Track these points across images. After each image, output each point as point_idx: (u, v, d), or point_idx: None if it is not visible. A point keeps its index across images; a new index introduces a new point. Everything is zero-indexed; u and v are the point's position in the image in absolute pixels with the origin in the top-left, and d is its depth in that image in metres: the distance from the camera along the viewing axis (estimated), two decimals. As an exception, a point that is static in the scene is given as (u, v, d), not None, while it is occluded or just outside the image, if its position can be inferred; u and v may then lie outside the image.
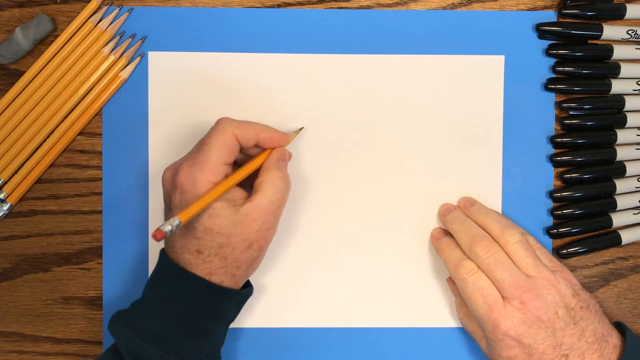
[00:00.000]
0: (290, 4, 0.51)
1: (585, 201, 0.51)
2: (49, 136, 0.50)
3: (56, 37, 0.50)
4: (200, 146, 0.44)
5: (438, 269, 0.52)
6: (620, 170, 0.51)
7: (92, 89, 0.50)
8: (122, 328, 0.43)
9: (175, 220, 0.39)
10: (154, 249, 0.51)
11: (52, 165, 0.51)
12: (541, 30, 0.51)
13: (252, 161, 0.46)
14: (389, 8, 0.51)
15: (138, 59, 0.51)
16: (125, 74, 0.51)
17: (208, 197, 0.42)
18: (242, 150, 0.46)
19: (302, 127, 0.51)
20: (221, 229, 0.42)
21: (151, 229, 0.51)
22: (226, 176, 0.44)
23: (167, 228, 0.39)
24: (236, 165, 0.47)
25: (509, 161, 0.52)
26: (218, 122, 0.45)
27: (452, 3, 0.51)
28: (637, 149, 0.52)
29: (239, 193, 0.44)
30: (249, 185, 0.45)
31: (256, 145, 0.46)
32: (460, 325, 0.51)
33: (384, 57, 0.51)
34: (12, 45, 0.50)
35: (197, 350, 0.43)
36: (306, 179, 0.51)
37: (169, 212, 0.44)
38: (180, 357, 0.42)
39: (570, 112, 0.51)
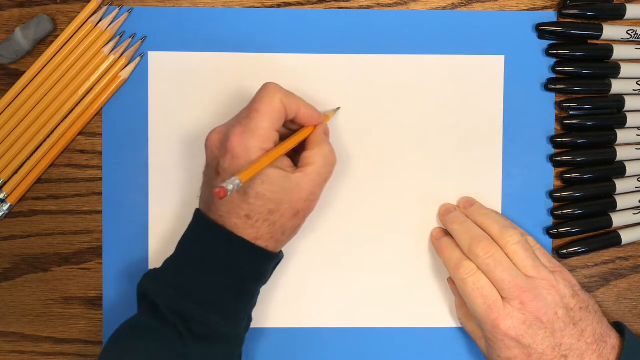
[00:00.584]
0: (290, 4, 0.51)
1: (585, 201, 0.51)
2: (49, 136, 0.50)
3: (56, 37, 0.50)
4: (250, 112, 0.44)
5: (438, 269, 0.52)
6: (620, 170, 0.51)
7: (92, 89, 0.50)
8: (163, 286, 0.43)
9: (236, 180, 0.39)
10: (154, 248, 0.51)
11: (52, 165, 0.51)
12: (541, 30, 0.51)
13: (298, 134, 0.46)
14: (389, 8, 0.51)
15: (138, 59, 0.51)
16: (125, 74, 0.51)
17: (263, 162, 0.42)
18: None
19: (339, 108, 0.51)
20: (273, 195, 0.43)
21: (151, 229, 0.51)
22: (275, 143, 0.44)
23: (230, 187, 0.38)
24: None
25: (509, 161, 0.52)
26: (266, 88, 0.45)
27: (452, 3, 0.51)
28: (637, 149, 0.52)
29: (287, 162, 0.45)
30: (291, 157, 0.46)
31: (292, 121, 0.46)
32: (460, 326, 0.51)
33: (384, 57, 0.51)
34: (12, 45, 0.50)
35: (239, 311, 0.44)
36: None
37: (215, 175, 0.44)
38: (224, 317, 0.43)
39: (570, 112, 0.51)
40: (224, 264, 0.43)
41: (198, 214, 0.45)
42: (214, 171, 0.44)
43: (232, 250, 0.43)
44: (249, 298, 0.45)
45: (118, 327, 0.44)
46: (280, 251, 0.46)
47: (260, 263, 0.44)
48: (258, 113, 0.43)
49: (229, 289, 0.44)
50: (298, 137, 0.46)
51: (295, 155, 0.46)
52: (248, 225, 0.43)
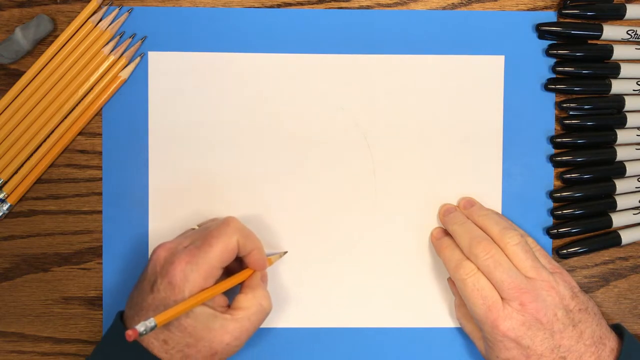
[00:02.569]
0: (290, 4, 0.51)
1: (585, 201, 0.51)
2: (49, 136, 0.50)
3: (56, 37, 0.50)
4: (203, 244, 0.43)
5: (438, 269, 0.52)
6: (620, 170, 0.51)
7: (92, 89, 0.50)
8: None
9: (151, 322, 0.40)
10: (154, 249, 0.51)
11: (52, 165, 0.51)
12: (541, 30, 0.51)
13: (235, 276, 0.46)
14: (389, 8, 0.51)
15: (138, 59, 0.51)
16: (125, 74, 0.51)
17: (191, 302, 0.42)
18: None
19: (286, 252, 0.51)
20: (194, 331, 0.42)
21: (151, 229, 0.51)
22: (216, 280, 0.44)
23: (142, 329, 0.39)
24: None
25: (509, 161, 0.52)
26: (227, 224, 0.45)
27: (452, 3, 0.51)
28: (637, 149, 0.52)
29: (222, 300, 0.45)
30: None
31: (237, 260, 0.46)
32: (460, 326, 0.51)
33: (384, 57, 0.51)
34: (12, 45, 0.50)
35: None
36: (306, 179, 0.51)
37: (149, 290, 0.43)
38: None
39: (570, 112, 0.51)
40: None
41: (118, 321, 0.44)
42: (150, 286, 0.43)
43: None
44: None
45: None
46: None
47: None
48: (210, 248, 0.43)
49: None
50: (235, 279, 0.45)
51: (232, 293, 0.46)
52: (163, 349, 0.42)
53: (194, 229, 0.48)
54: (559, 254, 0.52)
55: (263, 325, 0.51)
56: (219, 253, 0.43)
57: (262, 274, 0.47)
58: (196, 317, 0.42)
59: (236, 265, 0.47)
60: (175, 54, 0.51)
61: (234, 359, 0.51)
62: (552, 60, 0.51)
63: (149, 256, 0.45)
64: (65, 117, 0.51)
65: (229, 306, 0.45)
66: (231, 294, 0.46)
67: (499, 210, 0.52)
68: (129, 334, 0.38)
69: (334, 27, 0.51)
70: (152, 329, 0.39)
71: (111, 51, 0.50)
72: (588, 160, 0.51)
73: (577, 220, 0.51)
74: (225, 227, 0.44)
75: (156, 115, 0.51)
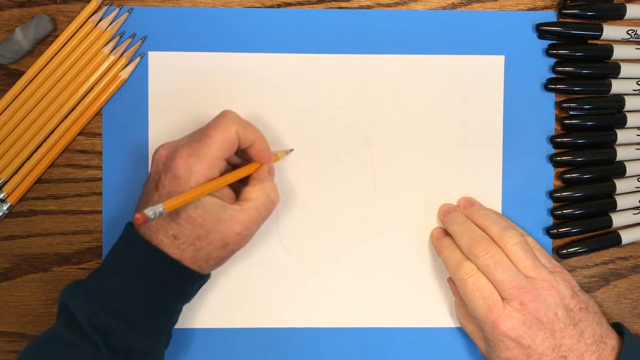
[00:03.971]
0: (290, 4, 0.51)
1: (585, 201, 0.51)
2: (49, 136, 0.50)
3: (56, 37, 0.50)
4: (202, 136, 0.43)
5: (438, 269, 0.52)
6: (620, 170, 0.51)
7: (92, 89, 0.50)
8: (85, 301, 0.42)
9: (159, 207, 0.39)
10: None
11: (52, 165, 0.51)
12: (541, 30, 0.51)
13: (242, 169, 0.45)
14: (389, 8, 0.51)
15: (138, 59, 0.51)
16: (125, 74, 0.51)
17: (198, 191, 0.42)
18: None
19: (292, 149, 0.51)
20: (204, 222, 0.42)
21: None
22: (221, 172, 0.44)
23: (150, 213, 0.38)
24: None
25: (509, 161, 0.52)
26: (224, 115, 0.44)
27: (452, 3, 0.51)
28: (637, 149, 0.52)
29: (229, 193, 0.45)
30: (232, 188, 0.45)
31: (242, 152, 0.46)
32: (460, 326, 0.51)
33: (384, 57, 0.51)
34: (12, 45, 0.50)
35: (159, 328, 0.44)
36: (306, 179, 0.51)
37: (154, 190, 0.43)
38: (144, 334, 0.42)
39: (570, 112, 0.51)
40: (147, 280, 0.43)
41: (128, 226, 0.45)
42: (154, 185, 0.43)
43: (157, 267, 0.43)
44: (170, 316, 0.45)
45: (37, 337, 0.43)
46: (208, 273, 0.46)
47: (184, 282, 0.44)
48: (210, 139, 0.43)
49: (150, 306, 0.43)
50: (242, 171, 0.45)
51: (239, 188, 0.46)
52: (174, 245, 0.42)
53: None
54: (559, 254, 0.52)
55: (263, 325, 0.51)
56: (219, 143, 0.43)
57: (269, 167, 0.47)
58: (205, 208, 0.42)
59: (243, 163, 0.46)
60: (175, 54, 0.51)
61: (234, 358, 0.51)
62: (552, 60, 0.51)
63: (152, 157, 0.45)
64: (65, 117, 0.51)
65: (236, 199, 0.45)
66: (238, 189, 0.45)
67: (499, 210, 0.52)
68: (137, 217, 0.38)
69: (334, 27, 0.51)
70: (161, 214, 0.39)
71: (111, 51, 0.50)
72: (588, 160, 0.51)
73: (577, 220, 0.51)
74: (223, 117, 0.44)
75: (156, 115, 0.51)
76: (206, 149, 0.43)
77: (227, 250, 0.44)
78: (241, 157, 0.47)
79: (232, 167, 0.46)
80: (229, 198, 0.44)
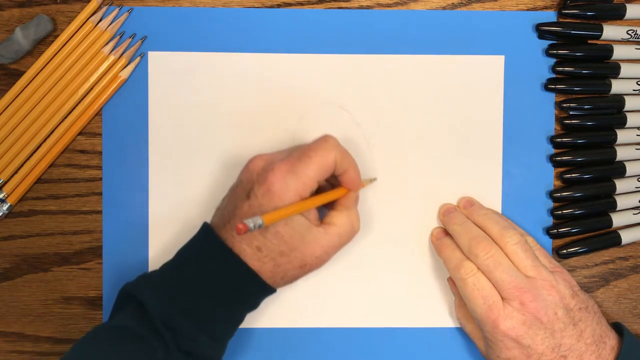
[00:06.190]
0: (290, 4, 0.51)
1: (585, 201, 0.51)
2: (49, 136, 0.50)
3: (56, 37, 0.50)
4: (302, 156, 0.43)
5: (438, 269, 0.52)
6: (620, 170, 0.51)
7: (92, 89, 0.50)
8: (160, 295, 0.42)
9: (259, 220, 0.39)
10: (154, 248, 0.51)
11: (52, 165, 0.51)
12: (541, 30, 0.51)
13: (332, 192, 0.46)
14: (389, 8, 0.51)
15: (138, 59, 0.51)
16: (125, 74, 0.51)
17: (293, 208, 0.42)
18: None
19: (376, 178, 0.51)
20: (290, 239, 0.43)
21: (151, 229, 0.51)
22: (312, 193, 0.44)
23: (251, 224, 0.39)
24: None
25: (509, 161, 0.52)
26: (325, 140, 0.44)
27: (452, 3, 0.51)
28: (637, 149, 0.52)
29: (314, 214, 0.45)
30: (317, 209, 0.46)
31: (332, 176, 0.46)
32: (460, 326, 0.51)
33: (384, 57, 0.51)
34: (12, 45, 0.50)
35: (225, 335, 0.44)
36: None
37: (244, 197, 0.43)
38: (212, 339, 0.43)
39: (570, 112, 0.51)
40: (224, 287, 0.43)
41: (207, 228, 0.45)
42: (245, 193, 0.43)
43: (236, 276, 0.43)
44: (236, 324, 0.45)
45: (99, 325, 0.43)
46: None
47: (258, 294, 0.44)
48: (310, 160, 0.43)
49: (222, 313, 0.43)
50: (332, 195, 0.45)
51: (319, 209, 0.46)
52: (255, 257, 0.43)
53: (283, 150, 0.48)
54: (559, 254, 0.52)
55: (263, 325, 0.51)
56: (318, 166, 0.43)
57: (356, 194, 0.47)
58: (294, 226, 0.42)
59: (326, 185, 0.47)
60: (175, 54, 0.51)
61: (234, 358, 0.51)
62: (552, 60, 0.51)
63: (245, 165, 0.45)
64: (65, 117, 0.51)
65: (320, 221, 0.45)
66: (320, 212, 0.46)
67: (499, 210, 0.52)
68: (240, 228, 0.38)
69: (334, 27, 0.51)
70: (260, 226, 0.39)
71: (111, 51, 0.50)
72: (588, 160, 0.51)
73: (577, 220, 0.51)
74: (324, 142, 0.44)
75: (156, 115, 0.51)
76: (305, 169, 0.43)
77: (304, 270, 0.44)
78: (328, 180, 0.47)
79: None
80: (314, 219, 0.45)
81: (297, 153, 0.44)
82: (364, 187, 0.49)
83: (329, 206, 0.47)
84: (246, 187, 0.44)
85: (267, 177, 0.42)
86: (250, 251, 0.43)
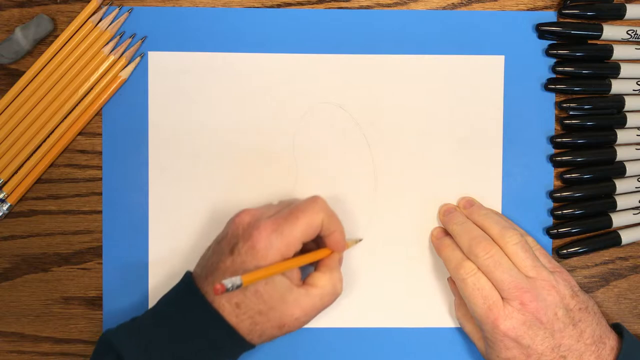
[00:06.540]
0: (290, 4, 0.51)
1: (585, 201, 0.51)
2: (49, 136, 0.50)
3: (56, 37, 0.50)
4: (289, 215, 0.43)
5: (438, 269, 0.52)
6: (620, 170, 0.51)
7: (92, 89, 0.51)
8: (139, 348, 0.42)
9: (238, 280, 0.40)
10: (154, 248, 0.51)
11: (52, 165, 0.51)
12: (541, 30, 0.51)
13: (315, 252, 0.46)
14: (389, 8, 0.51)
15: (138, 59, 0.51)
16: (125, 74, 0.51)
17: (275, 269, 0.42)
18: None
19: (362, 239, 0.51)
20: (270, 299, 0.42)
21: (151, 229, 0.51)
22: (296, 253, 0.44)
23: (229, 285, 0.39)
24: None
25: (509, 161, 0.52)
26: (314, 201, 0.45)
27: (452, 3, 0.51)
28: (637, 149, 0.52)
29: (297, 274, 0.45)
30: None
31: (313, 240, 0.46)
32: (460, 326, 0.51)
33: (384, 57, 0.51)
34: (12, 45, 0.50)
35: None
36: (305, 178, 0.51)
37: (228, 252, 0.43)
38: None
39: (570, 112, 0.51)
40: (202, 341, 0.43)
41: (189, 279, 0.44)
42: (229, 248, 0.43)
43: (214, 331, 0.43)
44: None
45: None
46: None
47: (235, 349, 0.44)
48: (297, 220, 0.43)
49: None
50: (315, 255, 0.46)
51: (302, 268, 0.46)
52: (234, 313, 0.42)
53: (272, 204, 0.48)
54: (559, 254, 0.52)
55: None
56: (304, 227, 0.43)
57: (340, 256, 0.47)
58: (274, 286, 0.42)
59: (311, 244, 0.47)
60: (175, 54, 0.51)
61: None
62: (552, 60, 0.51)
63: (230, 219, 0.45)
64: (65, 117, 0.51)
65: (302, 281, 0.45)
66: (302, 272, 0.46)
67: (499, 210, 0.52)
68: (217, 288, 0.38)
69: (334, 27, 0.51)
70: (238, 287, 0.39)
71: (111, 51, 0.50)
72: (588, 160, 0.51)
73: (577, 220, 0.51)
74: (313, 203, 0.44)
75: (156, 115, 0.51)
76: (291, 229, 0.43)
77: (282, 331, 0.44)
78: (313, 239, 0.47)
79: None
80: (296, 279, 0.44)
81: (285, 212, 0.44)
82: (349, 248, 0.49)
83: (313, 266, 0.47)
84: (231, 242, 0.44)
85: (252, 234, 0.43)
86: (229, 307, 0.42)
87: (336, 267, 0.46)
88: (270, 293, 0.42)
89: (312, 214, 0.44)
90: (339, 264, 0.47)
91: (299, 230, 0.43)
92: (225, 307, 0.42)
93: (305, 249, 0.46)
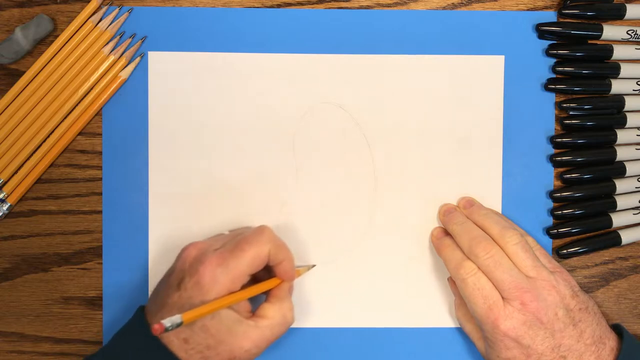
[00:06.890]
0: (290, 4, 0.51)
1: (585, 201, 0.51)
2: (49, 136, 0.50)
3: (56, 37, 0.50)
4: (235, 249, 0.43)
5: (438, 269, 0.52)
6: (620, 170, 0.51)
7: (92, 89, 0.50)
8: None
9: (178, 319, 0.39)
10: (154, 248, 0.51)
11: (52, 165, 0.51)
12: (541, 30, 0.51)
13: (263, 283, 0.46)
14: (389, 8, 0.51)
15: (138, 59, 0.51)
16: (125, 74, 0.51)
17: (218, 304, 0.42)
18: None
19: (314, 265, 0.51)
20: (217, 333, 0.42)
21: (151, 229, 0.51)
22: (243, 286, 0.44)
23: (168, 324, 0.39)
24: None
25: (509, 161, 0.52)
26: (261, 232, 0.45)
27: (452, 3, 0.51)
28: (637, 149, 0.52)
29: (246, 306, 0.44)
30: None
31: (265, 267, 0.46)
32: (459, 326, 0.51)
33: (384, 57, 0.51)
34: (12, 45, 0.50)
35: None
36: (305, 178, 0.51)
37: (175, 287, 0.43)
38: None
39: (570, 112, 0.51)
40: None
41: (140, 314, 0.44)
42: (176, 283, 0.43)
43: None
44: None
45: None
46: None
47: None
48: (243, 253, 0.43)
49: None
50: (262, 286, 0.45)
51: (253, 299, 0.45)
52: (182, 348, 0.42)
53: (223, 234, 0.48)
54: (559, 254, 0.52)
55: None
56: (250, 260, 0.43)
57: (290, 285, 0.47)
58: (221, 320, 0.42)
59: (262, 273, 0.46)
60: (175, 54, 0.51)
61: None
62: (552, 60, 0.51)
63: (179, 253, 0.45)
64: (65, 117, 0.51)
65: (252, 313, 0.45)
66: (254, 301, 0.46)
67: (499, 210, 0.52)
68: (156, 328, 0.38)
69: (334, 27, 0.51)
70: (178, 325, 0.39)
71: (111, 51, 0.50)
72: (588, 160, 0.51)
73: (577, 220, 0.51)
74: (259, 235, 0.44)
75: (156, 115, 0.51)
76: (236, 263, 0.43)
77: None
78: (263, 268, 0.46)
79: (251, 277, 0.46)
80: (245, 311, 0.44)
81: (231, 245, 0.44)
82: (300, 275, 0.49)
83: (260, 296, 0.46)
84: (178, 277, 0.44)
85: (198, 269, 0.43)
86: (178, 343, 0.42)
87: (286, 297, 0.46)
88: (217, 327, 0.42)
89: (259, 245, 0.44)
90: (289, 293, 0.47)
91: (245, 264, 0.43)
92: (174, 342, 0.42)
93: (256, 278, 0.46)
